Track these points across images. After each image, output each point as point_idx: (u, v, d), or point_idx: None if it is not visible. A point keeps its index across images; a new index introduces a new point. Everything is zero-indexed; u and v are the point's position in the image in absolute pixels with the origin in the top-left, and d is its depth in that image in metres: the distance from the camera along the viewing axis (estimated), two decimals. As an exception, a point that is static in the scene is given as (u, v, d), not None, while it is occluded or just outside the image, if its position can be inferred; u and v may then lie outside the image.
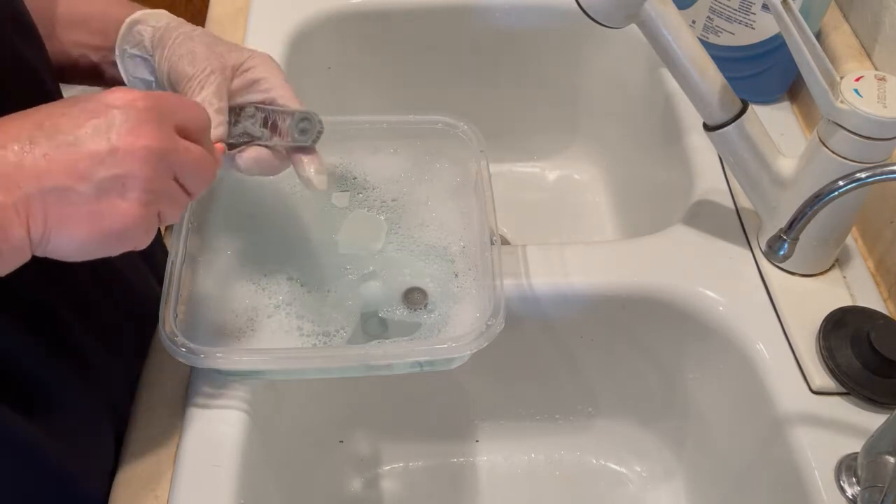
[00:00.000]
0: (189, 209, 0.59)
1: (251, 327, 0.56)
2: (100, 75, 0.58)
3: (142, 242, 0.42)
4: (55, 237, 0.39)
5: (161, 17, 0.56)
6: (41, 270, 0.50)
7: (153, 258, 0.62)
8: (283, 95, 0.54)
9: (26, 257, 0.39)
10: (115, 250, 0.41)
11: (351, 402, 0.73)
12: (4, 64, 0.47)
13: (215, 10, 0.87)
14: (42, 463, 0.48)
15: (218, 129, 0.51)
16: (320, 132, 0.53)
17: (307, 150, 0.54)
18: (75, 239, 0.39)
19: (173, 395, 0.58)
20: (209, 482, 0.52)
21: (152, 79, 0.56)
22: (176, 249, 0.56)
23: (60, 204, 0.38)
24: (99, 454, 0.54)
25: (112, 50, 0.56)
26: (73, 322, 0.52)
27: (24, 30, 0.51)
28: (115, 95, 0.41)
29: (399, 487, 0.74)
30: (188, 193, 0.45)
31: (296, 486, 0.68)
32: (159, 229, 0.70)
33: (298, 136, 0.53)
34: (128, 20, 0.55)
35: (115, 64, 0.56)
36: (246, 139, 0.53)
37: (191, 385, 0.57)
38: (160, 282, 0.55)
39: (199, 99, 0.51)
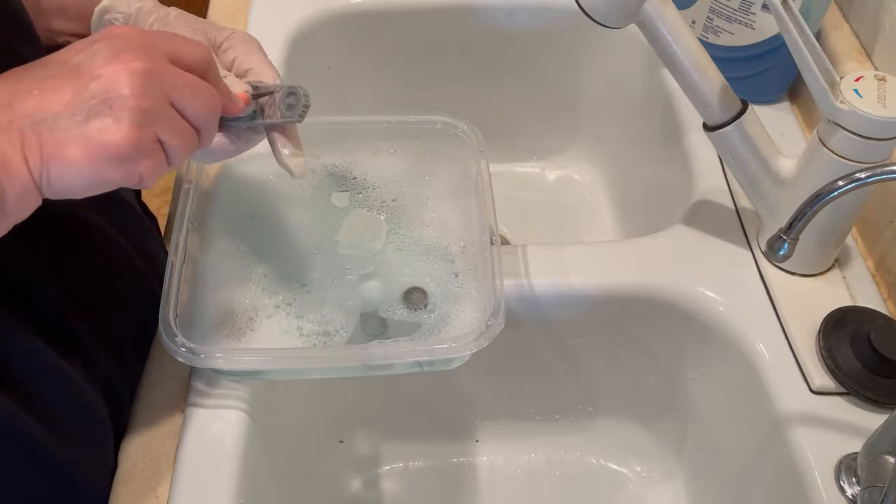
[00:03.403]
0: (189, 209, 0.59)
1: (251, 327, 0.56)
2: None
3: (146, 170, 0.41)
4: (54, 167, 0.39)
5: (131, 0, 0.55)
6: (42, 270, 0.50)
7: (153, 259, 0.62)
8: (264, 74, 0.53)
9: (35, 198, 0.39)
10: (118, 177, 0.40)
11: (351, 402, 0.73)
12: (2, 64, 0.47)
13: (215, 9, 0.87)
14: (43, 462, 0.48)
15: (239, 86, 0.50)
16: (306, 106, 0.51)
17: (286, 129, 0.52)
18: (73, 166, 0.39)
19: (173, 395, 0.58)
20: (209, 482, 0.52)
21: None
22: (176, 249, 0.56)
23: (52, 132, 0.38)
24: (100, 454, 0.54)
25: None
26: (75, 322, 0.52)
27: (22, 29, 0.51)
28: (100, 33, 0.41)
29: (399, 487, 0.74)
30: (192, 124, 0.43)
31: (296, 486, 0.68)
32: (159, 229, 0.71)
33: (286, 111, 0.51)
34: (97, 10, 0.55)
35: None
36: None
37: (191, 385, 0.57)
38: (160, 282, 0.55)
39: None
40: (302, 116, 0.51)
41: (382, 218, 0.63)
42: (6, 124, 0.38)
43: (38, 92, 0.39)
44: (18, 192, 0.38)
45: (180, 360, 0.52)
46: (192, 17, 0.55)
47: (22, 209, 0.39)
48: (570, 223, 0.96)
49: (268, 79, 0.52)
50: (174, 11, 0.55)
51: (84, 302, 0.53)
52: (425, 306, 0.58)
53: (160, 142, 0.41)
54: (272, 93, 0.52)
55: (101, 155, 0.39)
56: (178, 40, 0.44)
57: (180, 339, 0.52)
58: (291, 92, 0.51)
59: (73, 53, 0.41)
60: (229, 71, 0.53)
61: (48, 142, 0.38)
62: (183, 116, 0.43)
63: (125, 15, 0.55)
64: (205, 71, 0.44)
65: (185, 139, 0.43)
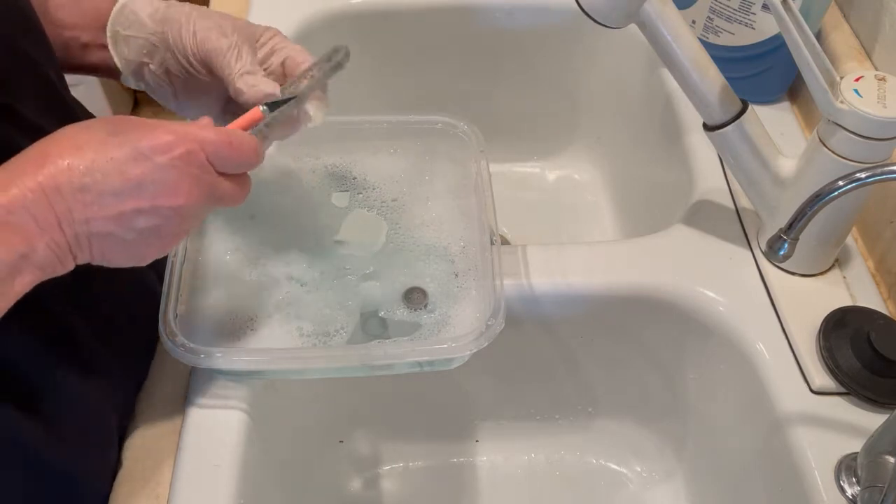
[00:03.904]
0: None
1: (251, 327, 0.56)
2: (86, 58, 0.58)
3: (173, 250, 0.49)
4: (98, 261, 0.44)
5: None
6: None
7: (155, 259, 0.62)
8: (301, 59, 0.55)
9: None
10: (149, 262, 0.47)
11: (351, 402, 0.73)
12: (10, 63, 0.47)
13: (215, 9, 0.87)
14: (45, 465, 0.48)
15: (270, 86, 0.52)
16: (347, 53, 0.55)
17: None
18: (115, 264, 0.45)
19: (173, 395, 0.58)
20: (209, 482, 0.52)
21: (147, 60, 0.55)
22: (176, 249, 0.56)
23: (104, 243, 0.43)
24: (104, 455, 0.54)
25: (102, 30, 0.56)
26: (76, 323, 0.52)
27: (30, 29, 0.51)
28: (156, 142, 0.43)
29: (399, 487, 0.74)
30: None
31: (296, 486, 0.68)
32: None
33: (327, 64, 0.54)
34: (119, 2, 0.55)
35: (104, 47, 0.56)
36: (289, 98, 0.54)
37: (191, 385, 0.57)
38: (161, 282, 0.55)
39: (238, 66, 0.52)
40: (340, 63, 0.54)
41: (382, 218, 0.63)
42: (67, 228, 0.41)
43: (99, 206, 0.42)
44: (60, 273, 0.43)
45: (180, 360, 0.52)
46: (225, 13, 0.56)
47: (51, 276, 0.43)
48: (570, 223, 0.96)
49: (304, 61, 0.54)
50: (206, 8, 0.56)
51: (85, 303, 0.53)
52: (425, 306, 0.58)
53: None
54: (319, 62, 0.54)
55: (143, 260, 0.46)
56: (228, 152, 0.46)
57: (180, 339, 0.52)
58: (335, 49, 0.55)
59: (130, 168, 0.42)
60: (267, 59, 0.55)
61: (99, 250, 0.43)
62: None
63: (153, 8, 0.55)
64: (242, 168, 0.48)
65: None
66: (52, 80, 0.53)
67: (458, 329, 0.56)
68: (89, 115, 0.60)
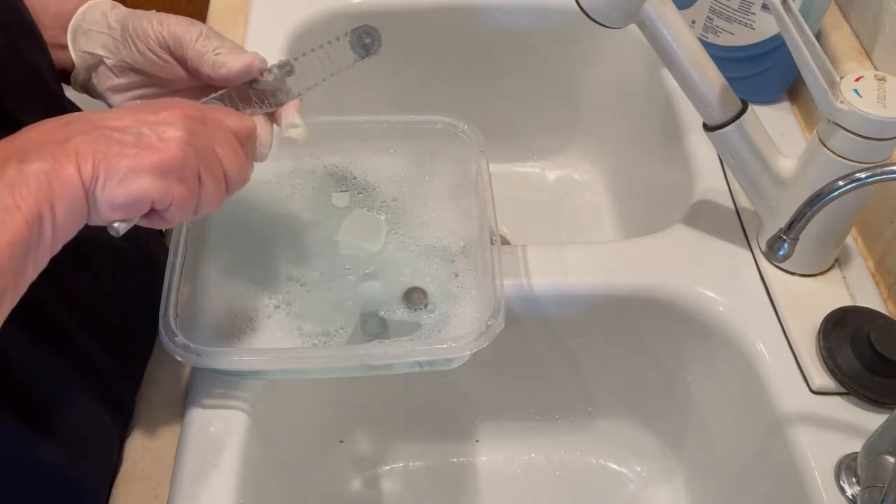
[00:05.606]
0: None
1: (251, 327, 0.56)
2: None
3: (178, 196, 0.42)
4: (103, 171, 0.40)
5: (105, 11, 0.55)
6: (40, 275, 0.50)
7: (154, 259, 0.62)
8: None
9: (82, 206, 0.40)
10: (155, 191, 0.41)
11: (351, 402, 0.73)
12: (9, 66, 0.47)
13: (216, 9, 0.87)
14: (44, 469, 0.48)
15: (257, 56, 0.53)
16: (379, 42, 0.56)
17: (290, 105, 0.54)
18: (120, 171, 0.40)
19: (173, 395, 0.58)
20: (209, 482, 0.52)
21: (104, 54, 0.55)
22: (176, 249, 0.56)
23: (108, 142, 0.40)
24: (104, 456, 0.54)
25: (62, 30, 0.55)
26: (74, 326, 0.51)
27: (27, 32, 0.51)
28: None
29: (399, 487, 0.74)
30: (225, 178, 0.45)
31: (296, 486, 0.68)
32: (162, 230, 0.71)
33: (360, 50, 0.55)
34: (85, 4, 0.55)
35: (61, 47, 0.55)
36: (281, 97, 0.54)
37: (191, 385, 0.57)
38: (161, 282, 0.55)
39: (217, 43, 0.52)
40: (376, 51, 0.56)
41: (382, 218, 0.63)
42: (62, 139, 0.39)
43: (97, 119, 0.41)
44: (68, 199, 0.39)
45: (180, 359, 0.52)
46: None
47: (70, 220, 0.39)
48: (570, 223, 0.96)
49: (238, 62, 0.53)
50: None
51: (82, 305, 0.52)
52: (425, 306, 0.58)
53: (199, 180, 0.44)
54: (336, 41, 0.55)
55: (147, 164, 0.41)
56: (224, 110, 0.48)
57: (180, 338, 0.52)
58: (367, 32, 0.55)
59: (129, 106, 0.45)
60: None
61: (101, 148, 0.40)
62: (221, 165, 0.45)
63: (116, 10, 0.54)
64: (245, 141, 0.48)
65: (218, 186, 0.45)
66: (52, 87, 0.52)
67: (458, 329, 0.56)
68: None
